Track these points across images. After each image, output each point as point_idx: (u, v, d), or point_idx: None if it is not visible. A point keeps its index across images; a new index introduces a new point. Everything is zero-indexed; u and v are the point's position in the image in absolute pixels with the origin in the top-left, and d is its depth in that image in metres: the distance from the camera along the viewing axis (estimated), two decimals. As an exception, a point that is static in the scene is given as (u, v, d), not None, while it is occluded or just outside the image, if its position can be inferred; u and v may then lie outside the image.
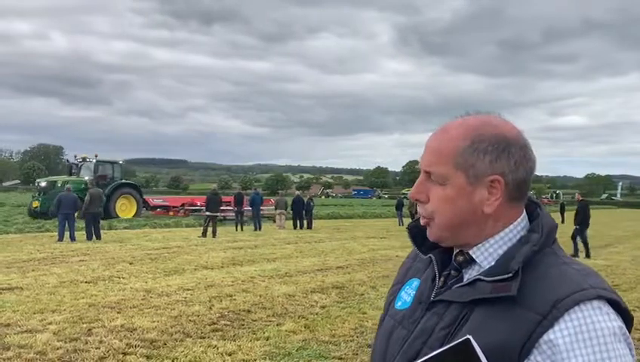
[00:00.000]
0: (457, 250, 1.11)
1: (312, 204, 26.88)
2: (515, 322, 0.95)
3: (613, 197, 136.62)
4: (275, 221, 26.55)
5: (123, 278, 9.98)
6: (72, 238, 16.52)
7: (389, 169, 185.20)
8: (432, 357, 0.93)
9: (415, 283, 1.18)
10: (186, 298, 8.37)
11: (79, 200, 18.09)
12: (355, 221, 34.68)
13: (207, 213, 20.13)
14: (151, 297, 8.37)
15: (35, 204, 25.74)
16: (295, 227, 24.85)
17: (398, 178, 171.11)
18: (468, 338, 0.90)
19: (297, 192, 30.13)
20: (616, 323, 0.93)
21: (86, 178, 26.61)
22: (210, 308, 7.75)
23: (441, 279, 1.10)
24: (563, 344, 0.91)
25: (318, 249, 16.16)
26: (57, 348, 5.72)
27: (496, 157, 1.03)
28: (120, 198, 27.33)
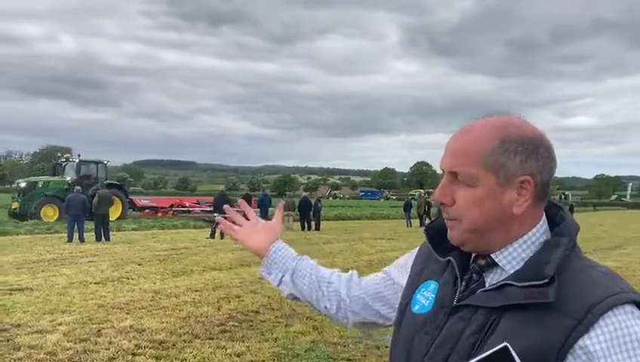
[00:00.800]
0: (476, 253, 1.09)
1: (319, 205, 26.90)
2: (549, 328, 0.93)
3: (622, 199, 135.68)
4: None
5: (132, 279, 10.03)
6: (82, 239, 16.61)
7: (397, 170, 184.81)
8: None
9: (432, 285, 1.15)
10: (194, 299, 8.40)
11: (88, 201, 18.09)
12: (362, 222, 34.65)
13: (216, 215, 20.18)
14: (160, 298, 8.40)
15: (15, 205, 25.20)
16: (303, 228, 24.87)
17: (405, 179, 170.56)
18: (506, 346, 0.88)
19: (304, 194, 30.18)
20: None
21: (68, 178, 26.01)
22: (219, 309, 7.78)
23: (463, 283, 1.08)
24: (600, 349, 0.90)
25: (326, 250, 16.16)
26: (67, 349, 5.76)
27: (527, 157, 1.02)
28: None
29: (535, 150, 1.03)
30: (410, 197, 43.35)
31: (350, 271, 1.48)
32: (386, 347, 5.74)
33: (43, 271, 10.78)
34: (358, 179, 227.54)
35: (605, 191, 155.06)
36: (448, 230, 1.09)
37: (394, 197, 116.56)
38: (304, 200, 26.15)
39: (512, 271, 1.04)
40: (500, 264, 1.05)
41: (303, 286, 1.51)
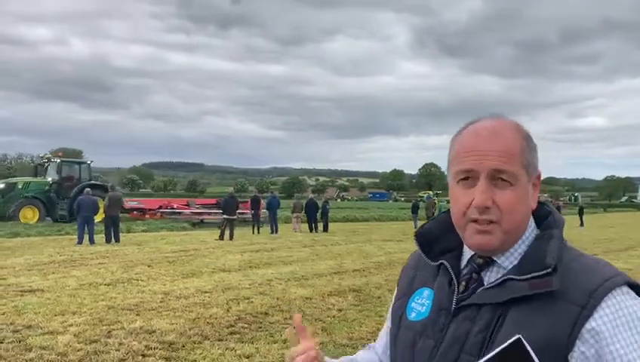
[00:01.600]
0: (478, 254, 1.10)
1: (327, 206, 26.90)
2: (556, 316, 0.97)
3: (633, 200, 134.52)
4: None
5: (142, 281, 10.08)
6: (92, 241, 16.72)
7: (405, 171, 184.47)
8: (485, 361, 0.92)
9: (426, 292, 1.16)
10: (203, 300, 8.43)
11: (98, 203, 18.18)
12: (371, 224, 34.63)
13: (225, 216, 20.25)
14: (169, 300, 8.44)
15: None
16: (310, 230, 24.91)
17: (414, 181, 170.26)
18: (519, 338, 0.90)
19: (311, 195, 30.16)
20: None
21: (49, 179, 25.39)
22: (228, 310, 7.80)
23: (462, 284, 1.09)
24: (606, 330, 0.94)
25: (335, 252, 16.17)
26: (78, 350, 5.79)
27: (536, 154, 1.09)
28: None
29: (536, 146, 1.10)
30: (418, 199, 43.26)
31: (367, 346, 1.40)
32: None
33: (54, 272, 10.86)
34: (366, 180, 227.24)
35: (616, 193, 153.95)
36: (479, 235, 1.05)
37: (402, 199, 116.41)
38: (311, 202, 26.20)
39: (509, 267, 1.06)
40: (498, 261, 1.08)
41: None
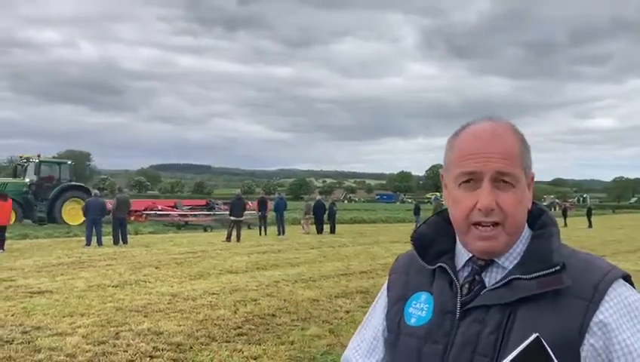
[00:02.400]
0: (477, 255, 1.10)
1: (334, 208, 26.90)
2: (566, 312, 0.99)
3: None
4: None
5: (149, 282, 10.11)
6: (100, 243, 16.80)
7: (413, 173, 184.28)
8: None
9: (424, 296, 1.14)
10: (211, 302, 8.45)
11: (106, 205, 18.23)
12: (378, 225, 34.59)
13: (232, 218, 20.29)
14: (177, 301, 8.46)
15: None
16: (318, 231, 24.92)
17: (421, 182, 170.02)
18: (538, 336, 0.91)
19: (318, 197, 30.17)
20: (639, 295, 1.03)
21: (27, 180, 24.61)
22: (235, 312, 7.81)
23: (465, 286, 1.09)
24: (613, 322, 0.98)
25: (342, 253, 16.16)
26: (86, 351, 5.82)
27: (530, 155, 1.11)
28: (68, 202, 24.70)
29: (530, 148, 1.11)
30: (426, 201, 43.14)
31: None
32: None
33: (62, 274, 10.92)
34: (373, 182, 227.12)
35: (624, 194, 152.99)
36: (483, 241, 1.05)
37: (410, 201, 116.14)
38: (318, 203, 26.25)
39: (511, 267, 1.07)
40: (499, 262, 1.08)
41: None
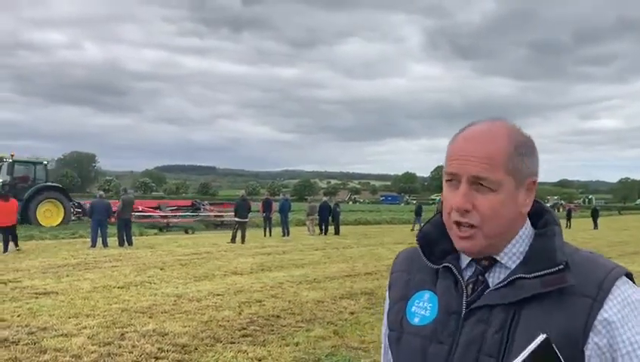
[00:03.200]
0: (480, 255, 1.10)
1: (338, 209, 26.90)
2: (570, 310, 1.00)
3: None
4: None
5: (154, 284, 10.14)
6: (105, 244, 16.85)
7: (417, 174, 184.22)
8: None
9: (427, 295, 1.14)
10: (216, 303, 8.46)
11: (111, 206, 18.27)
12: (383, 227, 34.57)
13: (237, 219, 20.32)
14: (182, 302, 8.48)
15: None
16: (321, 232, 24.97)
17: (426, 183, 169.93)
18: (547, 337, 0.91)
19: (324, 198, 30.18)
20: None
21: (0, 180, 23.34)
22: (240, 313, 7.82)
23: (470, 286, 1.09)
24: (617, 320, 0.98)
25: (346, 255, 16.16)
26: (92, 352, 5.84)
27: (531, 159, 1.09)
28: (43, 203, 23.81)
29: (534, 152, 1.10)
30: (427, 201, 43.10)
31: None
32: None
33: (68, 275, 10.96)
34: (378, 183, 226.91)
35: (630, 195, 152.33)
36: (462, 240, 1.07)
37: (414, 202, 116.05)
38: (324, 205, 26.31)
39: (513, 266, 1.08)
40: (502, 261, 1.09)
41: None
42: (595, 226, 36.18)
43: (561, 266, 1.01)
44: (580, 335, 0.98)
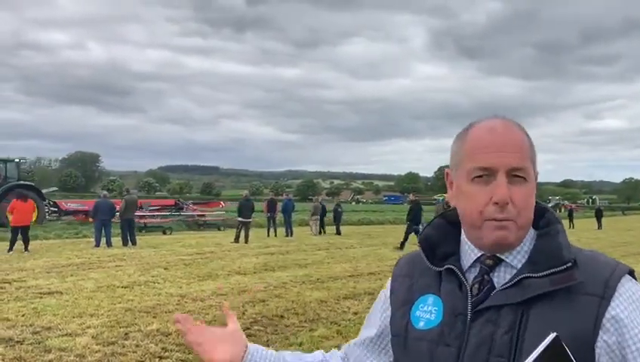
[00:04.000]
0: (487, 254, 1.09)
1: (339, 210, 26.88)
2: (579, 309, 0.99)
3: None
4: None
5: (158, 283, 10.17)
6: (109, 244, 16.89)
7: (421, 174, 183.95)
8: None
9: (431, 299, 1.12)
10: (219, 303, 8.48)
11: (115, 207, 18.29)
12: (386, 227, 34.51)
13: (240, 219, 20.35)
14: (185, 302, 8.50)
15: None
16: (319, 232, 25.07)
17: (429, 183, 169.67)
18: (557, 336, 0.91)
19: (320, 198, 30.24)
20: None
21: None
22: (244, 313, 7.84)
23: (475, 286, 1.08)
24: (625, 317, 0.98)
25: (349, 255, 16.17)
26: (96, 351, 5.87)
27: (535, 151, 1.11)
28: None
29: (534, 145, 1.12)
30: (431, 201, 43.07)
31: (333, 349, 1.44)
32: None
33: (72, 275, 11.00)
34: (381, 183, 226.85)
35: (634, 195, 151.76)
36: (497, 231, 1.04)
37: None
38: (319, 205, 26.46)
39: (519, 266, 1.06)
40: (507, 260, 1.08)
41: None
42: (599, 226, 36.09)
43: (569, 264, 1.01)
44: (590, 333, 0.97)
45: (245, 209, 20.45)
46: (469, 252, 1.11)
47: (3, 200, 22.25)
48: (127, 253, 15.20)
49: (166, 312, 7.76)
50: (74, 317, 7.34)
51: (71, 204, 26.33)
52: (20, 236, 15.15)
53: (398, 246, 18.25)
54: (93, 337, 6.40)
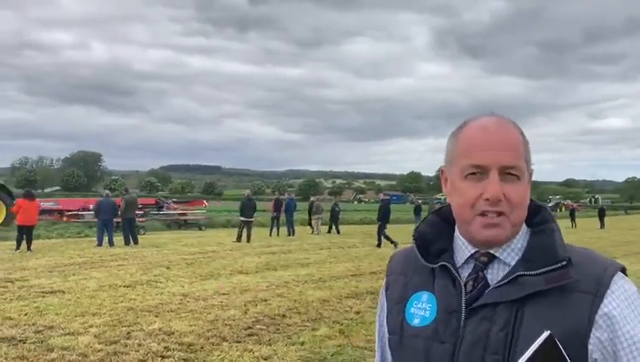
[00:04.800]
0: (481, 251, 1.09)
1: (337, 209, 26.89)
2: (572, 306, 1.00)
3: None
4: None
5: (160, 283, 10.17)
6: (111, 243, 16.91)
7: (423, 173, 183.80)
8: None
9: (425, 296, 1.12)
10: (221, 302, 8.48)
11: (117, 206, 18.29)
12: (388, 226, 34.45)
13: (242, 219, 20.36)
14: (188, 301, 8.50)
15: None
16: (312, 231, 25.12)
17: (431, 183, 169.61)
18: (551, 334, 0.92)
19: (312, 198, 30.34)
20: (635, 286, 1.05)
21: None
22: (246, 312, 7.84)
23: (469, 283, 1.08)
24: (617, 314, 0.99)
25: (352, 254, 16.17)
26: (98, 351, 5.87)
27: (529, 150, 1.11)
28: None
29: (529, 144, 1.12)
30: (435, 201, 43.06)
31: None
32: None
33: (74, 274, 11.00)
34: (383, 183, 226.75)
35: (637, 195, 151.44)
36: (488, 228, 1.05)
37: (420, 201, 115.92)
38: (312, 204, 26.63)
39: (513, 263, 1.07)
40: (500, 257, 1.08)
41: None
42: (602, 226, 36.04)
43: (564, 262, 1.02)
44: (583, 330, 0.98)
45: (247, 208, 20.46)
46: (463, 248, 1.12)
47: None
48: (130, 252, 15.21)
49: (168, 311, 7.76)
50: (76, 316, 7.34)
51: (45, 203, 24.72)
52: (28, 237, 15.22)
53: (391, 246, 18.30)
54: (95, 336, 6.40)
